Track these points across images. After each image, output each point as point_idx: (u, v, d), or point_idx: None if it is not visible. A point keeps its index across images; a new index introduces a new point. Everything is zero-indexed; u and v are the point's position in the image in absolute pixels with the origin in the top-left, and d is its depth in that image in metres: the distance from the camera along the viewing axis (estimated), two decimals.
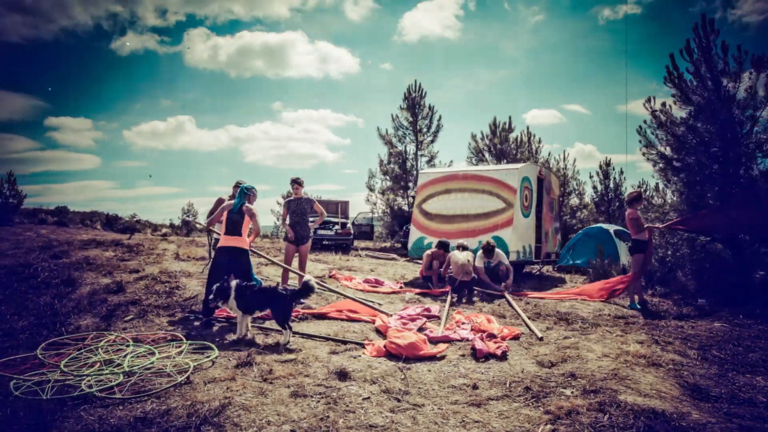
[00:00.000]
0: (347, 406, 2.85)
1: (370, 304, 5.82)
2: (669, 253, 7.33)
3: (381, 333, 4.68)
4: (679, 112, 7.36)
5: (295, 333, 4.46)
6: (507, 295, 6.55)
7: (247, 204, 4.93)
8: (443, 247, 7.59)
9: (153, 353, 3.70)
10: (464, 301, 6.47)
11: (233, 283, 4.30)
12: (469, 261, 6.82)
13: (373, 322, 5.07)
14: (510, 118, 18.73)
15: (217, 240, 5.46)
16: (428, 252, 7.77)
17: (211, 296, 4.25)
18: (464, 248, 7.30)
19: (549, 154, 20.94)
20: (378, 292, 6.95)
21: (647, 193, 17.18)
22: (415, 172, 17.86)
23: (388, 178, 18.61)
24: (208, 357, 3.66)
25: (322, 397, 2.95)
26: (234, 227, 4.83)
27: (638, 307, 6.10)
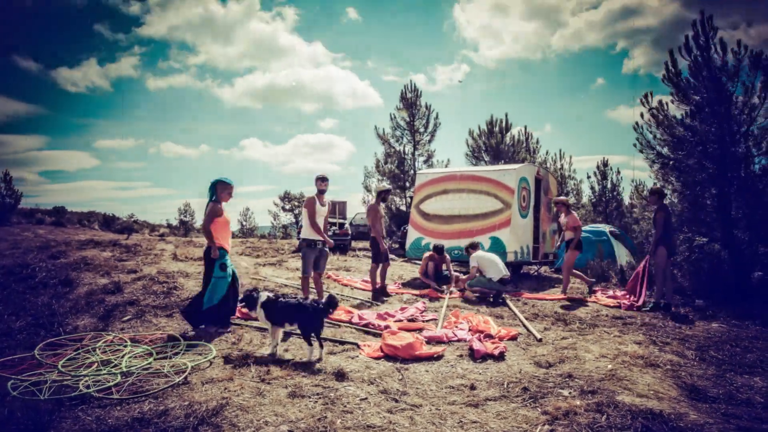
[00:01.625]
0: (345, 406, 2.85)
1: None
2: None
3: (377, 334, 4.68)
4: (677, 111, 7.36)
5: (293, 333, 4.45)
6: (506, 297, 6.54)
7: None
8: (436, 251, 7.68)
9: (151, 354, 3.70)
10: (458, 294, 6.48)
11: (263, 294, 4.00)
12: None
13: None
14: (506, 115, 18.69)
15: None
16: (426, 254, 7.84)
17: (241, 304, 4.12)
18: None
19: (547, 153, 20.71)
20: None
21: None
22: (412, 172, 17.85)
23: (385, 177, 18.59)
24: (205, 357, 3.65)
25: (320, 398, 2.95)
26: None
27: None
